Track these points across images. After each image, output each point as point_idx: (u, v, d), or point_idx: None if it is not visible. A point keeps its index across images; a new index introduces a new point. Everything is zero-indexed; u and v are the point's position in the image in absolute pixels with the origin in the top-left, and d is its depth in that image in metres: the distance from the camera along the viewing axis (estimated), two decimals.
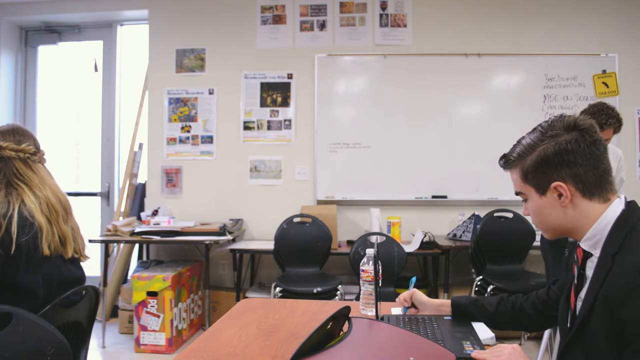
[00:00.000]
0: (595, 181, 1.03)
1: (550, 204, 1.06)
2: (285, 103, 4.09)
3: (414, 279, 1.63)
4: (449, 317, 1.42)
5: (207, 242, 3.43)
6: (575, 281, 1.09)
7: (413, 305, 1.51)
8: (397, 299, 1.54)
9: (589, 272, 1.04)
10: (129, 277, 4.04)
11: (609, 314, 0.93)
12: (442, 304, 1.46)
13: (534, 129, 1.10)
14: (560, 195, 1.04)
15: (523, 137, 1.12)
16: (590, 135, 1.03)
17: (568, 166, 1.02)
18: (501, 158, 1.17)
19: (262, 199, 4.09)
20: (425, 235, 3.53)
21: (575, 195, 1.03)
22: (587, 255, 1.06)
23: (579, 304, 1.05)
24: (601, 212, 1.03)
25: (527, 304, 1.35)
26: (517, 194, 1.15)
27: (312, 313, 1.63)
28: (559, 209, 1.05)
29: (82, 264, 1.64)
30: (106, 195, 4.43)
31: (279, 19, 4.10)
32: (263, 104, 4.10)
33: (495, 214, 3.46)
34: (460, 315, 1.42)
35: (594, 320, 0.97)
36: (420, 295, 1.51)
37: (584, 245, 1.06)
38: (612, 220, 1.01)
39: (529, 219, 2.99)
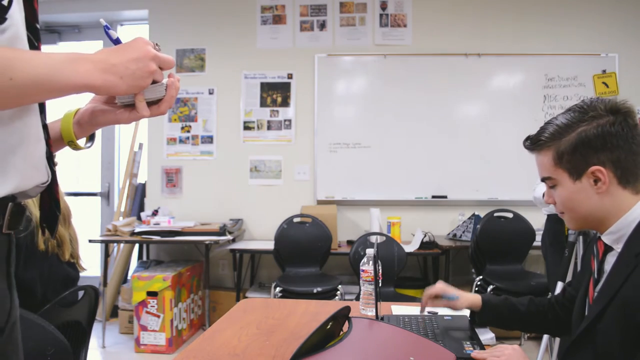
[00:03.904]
0: (633, 168, 0.98)
1: (584, 190, 0.99)
2: (285, 103, 4.08)
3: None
4: (449, 317, 1.42)
5: (207, 242, 3.43)
6: (596, 276, 1.04)
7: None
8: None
9: (607, 267, 1.00)
10: (129, 277, 4.04)
11: (624, 315, 0.90)
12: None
13: (569, 109, 1.02)
14: (596, 181, 0.98)
15: (555, 118, 1.03)
16: (632, 119, 0.98)
17: (610, 150, 0.96)
18: (527, 139, 1.07)
19: (262, 199, 4.08)
20: (425, 235, 3.52)
21: (612, 182, 0.97)
22: (607, 249, 1.02)
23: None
24: (631, 205, 0.98)
25: (559, 305, 1.27)
26: (544, 179, 1.06)
27: (312, 313, 1.63)
28: (594, 196, 0.99)
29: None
30: (106, 195, 4.42)
31: (279, 19, 4.10)
32: (263, 104, 4.10)
33: (495, 214, 3.46)
34: (487, 314, 1.30)
35: (607, 317, 0.93)
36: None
37: (605, 238, 1.01)
38: (639, 216, 0.97)
39: (541, 214, 2.91)
